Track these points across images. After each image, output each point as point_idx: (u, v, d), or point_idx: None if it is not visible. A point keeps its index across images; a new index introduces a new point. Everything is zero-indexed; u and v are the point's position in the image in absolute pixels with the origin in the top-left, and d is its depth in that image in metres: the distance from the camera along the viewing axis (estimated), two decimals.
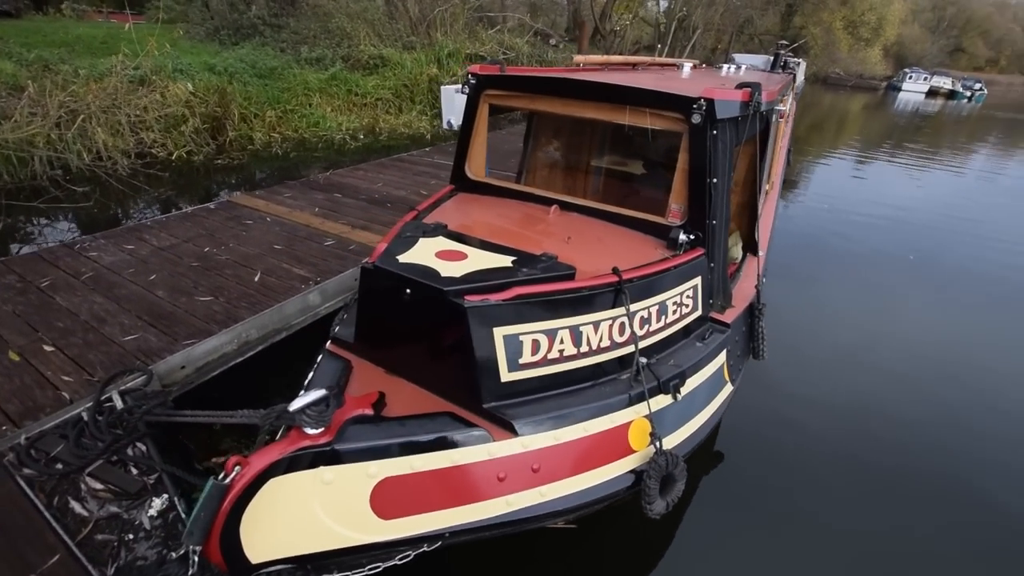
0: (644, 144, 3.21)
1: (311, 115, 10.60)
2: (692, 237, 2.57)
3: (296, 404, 1.55)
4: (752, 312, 3.22)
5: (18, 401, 2.41)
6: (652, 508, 1.98)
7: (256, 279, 3.60)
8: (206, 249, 4.03)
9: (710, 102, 2.48)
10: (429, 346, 2.01)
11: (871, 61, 41.06)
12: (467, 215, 2.89)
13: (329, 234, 4.41)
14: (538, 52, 14.98)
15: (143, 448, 2.20)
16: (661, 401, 2.22)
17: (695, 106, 2.48)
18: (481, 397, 1.87)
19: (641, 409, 2.13)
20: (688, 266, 2.50)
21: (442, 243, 2.24)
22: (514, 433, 1.84)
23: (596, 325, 2.10)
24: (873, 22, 40.67)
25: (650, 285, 2.28)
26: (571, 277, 2.09)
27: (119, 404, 2.33)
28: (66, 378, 2.57)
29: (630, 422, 2.10)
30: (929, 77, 37.18)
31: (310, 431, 1.56)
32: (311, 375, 2.17)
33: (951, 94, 36.25)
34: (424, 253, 2.12)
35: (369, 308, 2.13)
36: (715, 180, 2.56)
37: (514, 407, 1.91)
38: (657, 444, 2.04)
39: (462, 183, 3.25)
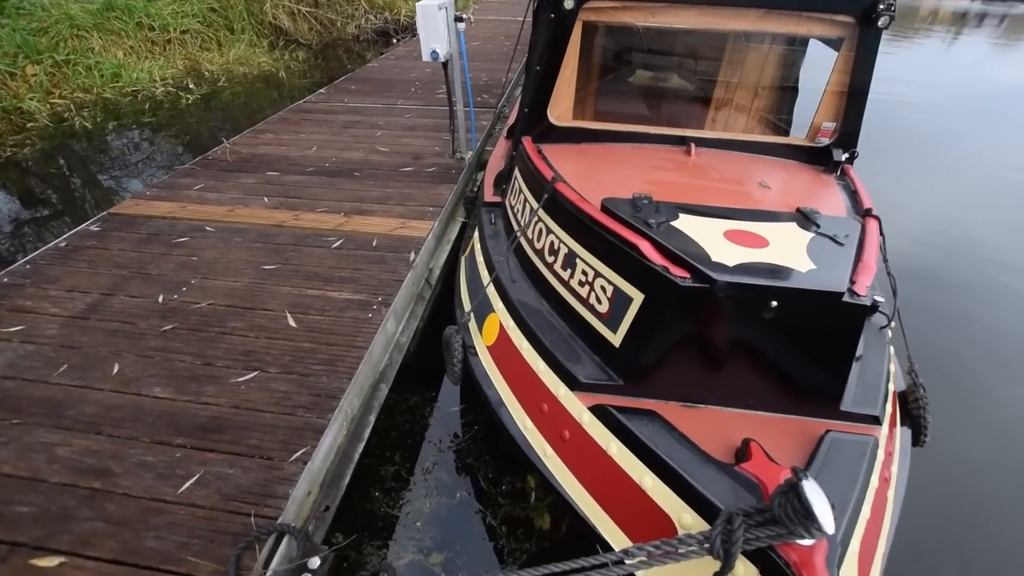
0: (760, 58, 2.75)
1: (101, 65, 7.62)
2: (848, 155, 2.42)
3: (825, 521, 1.04)
4: None
5: None
6: None
7: (291, 323, 2.46)
8: (160, 299, 2.62)
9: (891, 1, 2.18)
10: (775, 359, 1.57)
11: None
12: (627, 175, 2.24)
13: (322, 231, 3.20)
14: None
15: None
16: None
17: (882, 6, 2.16)
18: (843, 399, 1.60)
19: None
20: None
21: (708, 224, 1.73)
22: (879, 424, 1.63)
23: None
24: None
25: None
26: (860, 233, 1.80)
27: None
28: None
29: None
30: None
31: (809, 542, 1.10)
32: (673, 445, 1.44)
33: None
34: (722, 246, 1.58)
35: (687, 334, 1.56)
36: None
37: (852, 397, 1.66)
38: None
39: (540, 130, 2.52)
